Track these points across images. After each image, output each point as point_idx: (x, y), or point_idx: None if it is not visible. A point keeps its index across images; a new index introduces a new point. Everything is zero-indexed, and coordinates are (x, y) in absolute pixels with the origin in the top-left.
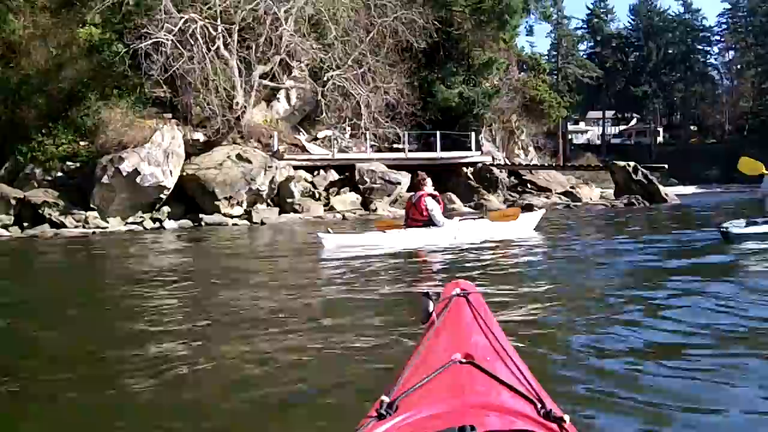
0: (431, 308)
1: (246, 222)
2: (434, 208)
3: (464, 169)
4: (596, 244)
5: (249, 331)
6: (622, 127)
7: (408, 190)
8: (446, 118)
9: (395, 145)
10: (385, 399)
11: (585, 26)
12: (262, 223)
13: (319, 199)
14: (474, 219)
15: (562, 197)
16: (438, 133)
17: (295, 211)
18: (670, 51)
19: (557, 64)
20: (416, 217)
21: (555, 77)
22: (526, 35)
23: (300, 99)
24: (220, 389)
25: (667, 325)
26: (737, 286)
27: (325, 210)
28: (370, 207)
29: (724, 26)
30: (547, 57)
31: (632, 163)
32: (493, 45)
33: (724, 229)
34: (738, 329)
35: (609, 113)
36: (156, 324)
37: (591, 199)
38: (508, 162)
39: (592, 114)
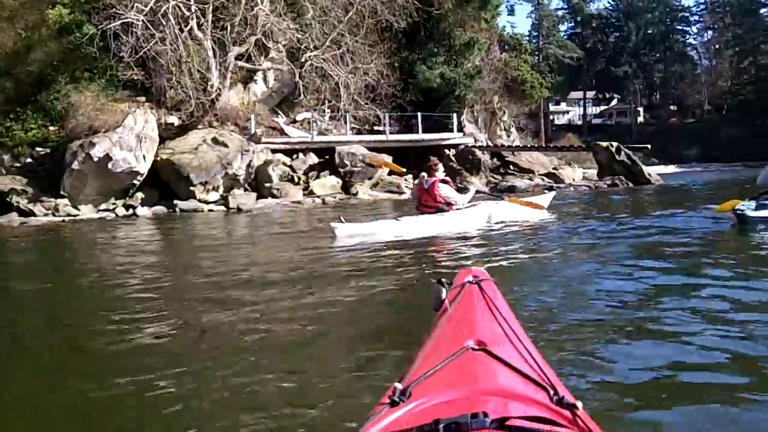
0: (444, 295)
1: (222, 208)
2: (450, 193)
3: (446, 151)
4: (606, 226)
5: (251, 321)
6: (603, 108)
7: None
8: (427, 99)
9: (376, 128)
10: (398, 386)
11: (566, 7)
12: (239, 210)
13: (298, 183)
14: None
15: (545, 179)
16: (419, 114)
17: (274, 196)
18: (650, 31)
19: (538, 45)
20: (429, 204)
21: (536, 58)
22: (508, 15)
23: (278, 81)
24: (222, 379)
25: (688, 315)
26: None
27: (304, 194)
28: (351, 191)
29: (703, 6)
30: (528, 37)
31: (615, 144)
32: (474, 25)
33: (740, 212)
34: None
35: (590, 94)
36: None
37: (574, 180)
38: (490, 143)
39: (574, 94)
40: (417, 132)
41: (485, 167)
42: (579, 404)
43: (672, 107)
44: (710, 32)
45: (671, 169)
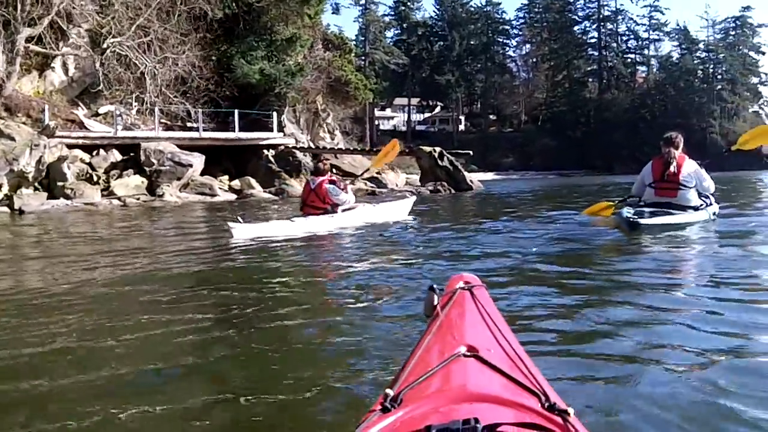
0: (436, 302)
1: (6, 209)
2: (337, 193)
3: (265, 151)
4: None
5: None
6: (427, 115)
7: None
8: (246, 95)
9: (190, 124)
10: (390, 392)
11: (392, 13)
12: (20, 212)
13: (97, 183)
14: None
15: (368, 183)
16: (236, 111)
17: (67, 197)
18: (473, 42)
19: (365, 50)
20: (316, 204)
21: (363, 62)
22: (333, 13)
23: (79, 69)
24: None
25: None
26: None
27: (103, 195)
28: (157, 192)
29: (522, 21)
30: (355, 42)
31: (438, 149)
32: (297, 20)
33: (632, 219)
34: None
35: (414, 100)
36: None
37: (397, 185)
38: (312, 145)
39: (399, 101)
40: (234, 130)
41: (306, 169)
42: (570, 410)
43: (492, 116)
44: (528, 46)
45: (490, 176)
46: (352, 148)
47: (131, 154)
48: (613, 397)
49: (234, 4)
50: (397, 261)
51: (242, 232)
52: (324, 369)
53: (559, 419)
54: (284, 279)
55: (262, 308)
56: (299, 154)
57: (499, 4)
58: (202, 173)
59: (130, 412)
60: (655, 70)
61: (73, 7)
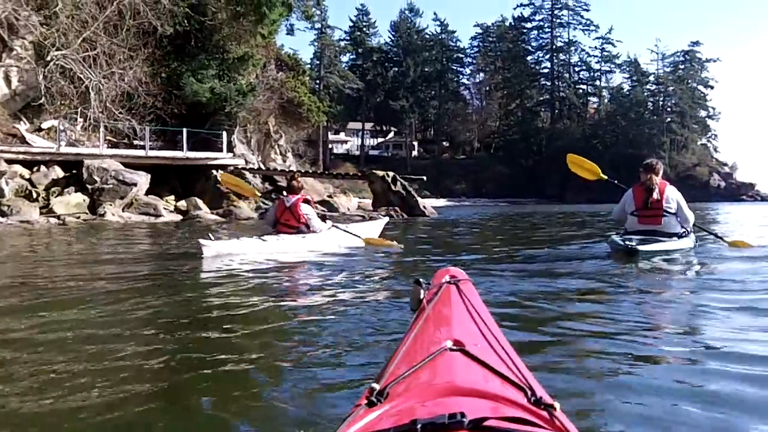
0: (422, 296)
1: None
2: (312, 214)
3: (214, 171)
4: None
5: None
6: (380, 140)
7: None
8: (195, 114)
9: (137, 142)
10: (375, 386)
11: (348, 38)
12: None
13: (36, 200)
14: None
15: (319, 206)
16: (185, 130)
17: (3, 214)
18: (427, 69)
19: (320, 73)
20: (291, 224)
21: (317, 86)
22: (287, 34)
23: (22, 82)
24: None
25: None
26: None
27: (42, 213)
28: (98, 211)
29: (476, 49)
30: (310, 65)
31: (391, 173)
32: (250, 40)
33: (631, 246)
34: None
35: (368, 125)
36: None
37: (349, 209)
38: (263, 166)
39: (353, 125)
40: (182, 149)
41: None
42: (556, 405)
43: (445, 143)
44: (482, 74)
45: (442, 202)
46: (303, 171)
47: (74, 171)
48: (599, 391)
49: (186, 22)
50: (378, 271)
51: (213, 250)
52: (309, 364)
53: (545, 413)
54: (256, 294)
55: (240, 319)
56: (249, 176)
57: (454, 32)
58: (148, 193)
59: None
60: (606, 101)
61: (17, 18)
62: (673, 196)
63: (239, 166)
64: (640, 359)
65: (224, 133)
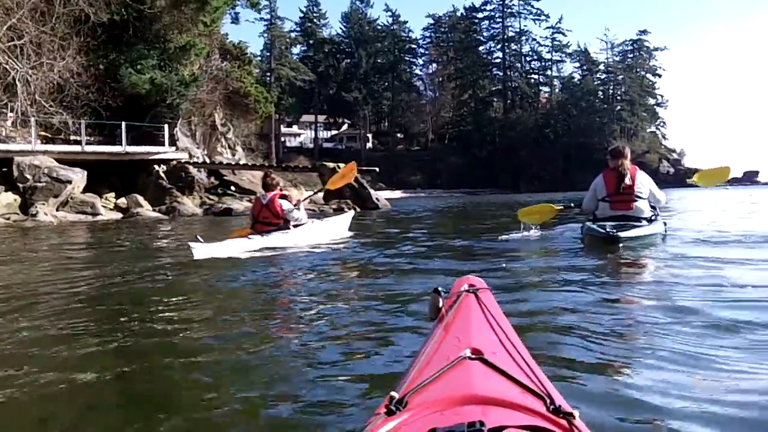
0: (441, 304)
1: None
2: (290, 208)
3: (155, 166)
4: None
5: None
6: (334, 132)
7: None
8: (135, 107)
9: (74, 137)
10: (395, 395)
11: (299, 29)
12: None
13: None
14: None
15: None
16: (124, 124)
17: None
18: (380, 60)
19: (270, 65)
20: (270, 220)
21: (268, 78)
22: (232, 23)
23: None
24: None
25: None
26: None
27: None
28: (30, 211)
29: (429, 40)
30: (260, 58)
31: (342, 165)
32: (192, 28)
33: (613, 233)
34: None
35: (321, 117)
36: None
37: None
38: (208, 160)
39: (306, 118)
40: (121, 144)
41: (200, 186)
42: (576, 413)
43: (399, 135)
44: (435, 65)
45: (398, 194)
46: (250, 164)
47: (4, 169)
48: (619, 400)
49: (123, 10)
50: (380, 272)
51: (203, 252)
52: (328, 372)
53: (564, 422)
54: (269, 290)
55: (261, 317)
56: (193, 170)
57: (406, 22)
58: (86, 190)
59: None
60: (557, 90)
61: None
62: (644, 181)
63: (183, 160)
64: (662, 363)
65: (166, 126)
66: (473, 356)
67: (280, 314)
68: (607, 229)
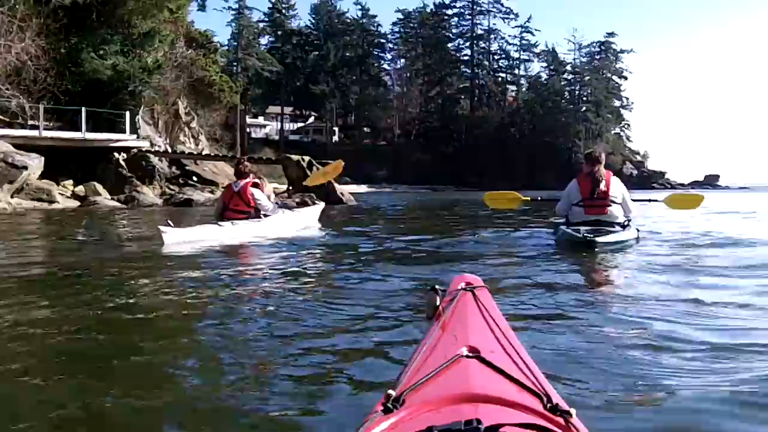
0: (438, 302)
1: None
2: (261, 197)
3: (116, 154)
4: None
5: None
6: (300, 124)
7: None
8: (96, 93)
9: (31, 122)
10: (392, 393)
11: (267, 20)
12: None
13: None
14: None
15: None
16: (84, 110)
17: None
18: (348, 53)
19: (238, 55)
20: (241, 209)
21: (235, 68)
22: (199, 10)
23: None
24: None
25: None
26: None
27: None
28: None
29: (397, 35)
30: (228, 47)
31: (307, 158)
32: (157, 14)
33: (590, 238)
34: None
35: (288, 109)
36: None
37: None
38: (170, 149)
39: (272, 109)
40: (81, 130)
41: (161, 176)
42: (573, 411)
43: (366, 129)
44: (403, 60)
45: (363, 188)
46: (213, 154)
47: None
48: (616, 398)
49: None
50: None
51: (173, 237)
52: (325, 370)
53: (561, 420)
54: (248, 286)
55: (243, 313)
56: (154, 159)
57: (375, 16)
58: (43, 177)
59: None
60: (524, 89)
61: None
62: (618, 187)
63: (144, 149)
64: (658, 363)
65: (128, 114)
66: (470, 354)
67: (263, 309)
68: (584, 234)
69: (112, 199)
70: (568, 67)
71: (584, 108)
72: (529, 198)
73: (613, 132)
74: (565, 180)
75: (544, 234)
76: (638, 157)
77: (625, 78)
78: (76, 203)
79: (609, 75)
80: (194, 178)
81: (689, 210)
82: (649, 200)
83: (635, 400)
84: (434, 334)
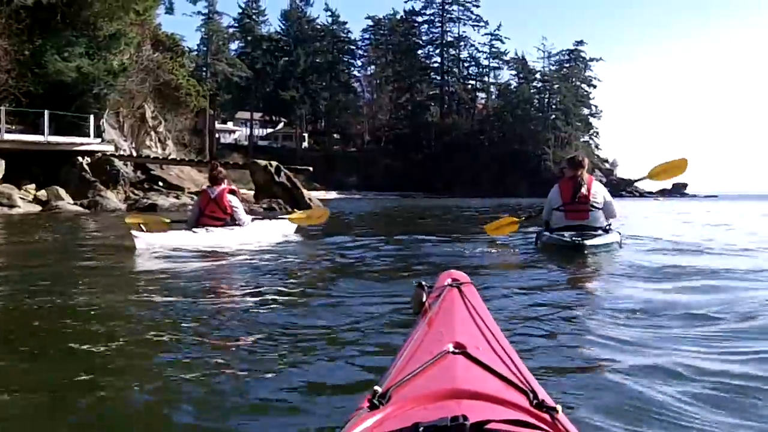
0: (424, 299)
1: None
2: (238, 206)
3: (79, 158)
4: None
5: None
6: (270, 130)
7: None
8: (59, 95)
9: None
10: (378, 389)
11: (237, 25)
12: None
13: None
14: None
15: (195, 197)
16: (47, 113)
17: None
18: (318, 59)
19: (207, 60)
20: (217, 215)
21: (204, 73)
22: (166, 13)
23: None
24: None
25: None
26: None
27: None
28: None
29: (368, 41)
30: (197, 52)
31: (275, 163)
32: (123, 16)
33: (578, 241)
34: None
35: (257, 115)
36: None
37: None
38: (135, 153)
39: (241, 114)
40: (43, 133)
41: (125, 180)
42: (558, 407)
43: (336, 135)
44: (373, 67)
45: (333, 194)
46: (179, 159)
47: None
48: (601, 394)
49: None
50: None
51: (145, 242)
52: (311, 366)
53: (547, 416)
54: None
55: (246, 312)
56: (119, 163)
57: (345, 23)
58: (5, 181)
59: None
60: (494, 97)
61: None
62: (599, 191)
63: (108, 153)
64: (642, 359)
65: (92, 117)
66: (456, 350)
67: (240, 314)
68: (571, 238)
69: (75, 203)
70: (538, 75)
71: (553, 116)
72: (524, 217)
73: (582, 140)
74: (536, 187)
75: (527, 240)
76: (607, 165)
77: (594, 86)
78: (38, 208)
79: (578, 83)
80: (160, 183)
81: (678, 177)
82: (635, 180)
83: (620, 397)
84: (420, 330)
